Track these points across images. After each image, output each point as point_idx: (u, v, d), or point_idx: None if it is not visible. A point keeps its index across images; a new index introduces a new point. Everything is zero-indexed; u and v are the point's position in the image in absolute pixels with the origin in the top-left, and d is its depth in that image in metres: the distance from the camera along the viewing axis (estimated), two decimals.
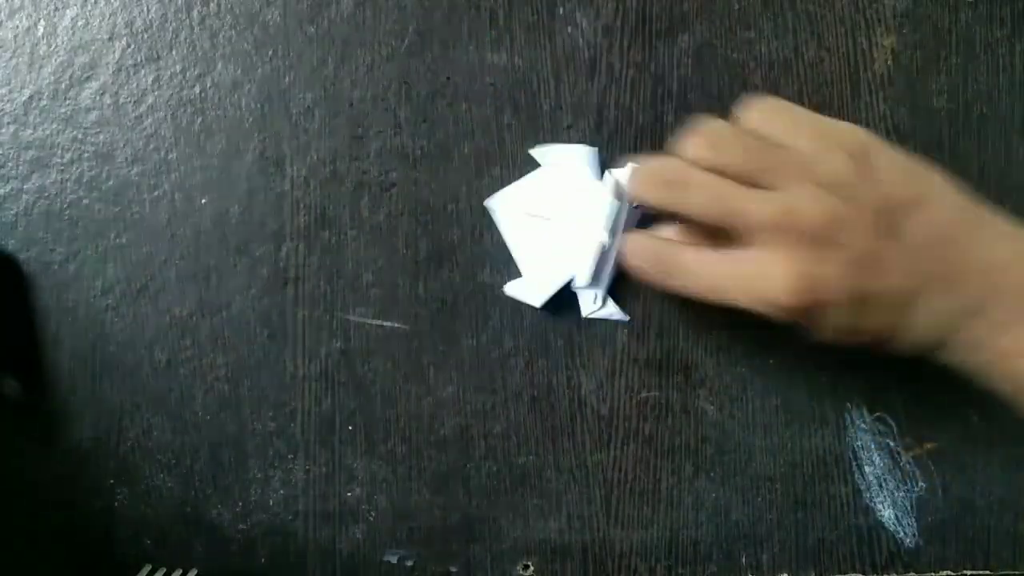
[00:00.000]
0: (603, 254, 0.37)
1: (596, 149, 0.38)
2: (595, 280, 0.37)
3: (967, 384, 0.39)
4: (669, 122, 0.38)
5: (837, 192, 0.31)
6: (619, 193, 0.36)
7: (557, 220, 0.37)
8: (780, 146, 0.32)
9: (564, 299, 0.38)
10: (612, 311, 0.38)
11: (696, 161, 0.32)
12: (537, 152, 0.38)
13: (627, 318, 0.38)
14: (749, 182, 0.32)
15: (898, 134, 0.38)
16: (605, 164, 0.38)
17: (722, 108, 0.38)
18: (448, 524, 0.38)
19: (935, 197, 0.32)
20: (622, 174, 0.36)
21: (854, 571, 0.39)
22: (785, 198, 0.31)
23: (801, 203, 0.31)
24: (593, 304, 0.38)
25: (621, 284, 0.38)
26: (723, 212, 0.32)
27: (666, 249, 0.34)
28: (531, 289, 0.37)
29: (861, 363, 0.38)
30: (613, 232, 0.36)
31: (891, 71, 0.39)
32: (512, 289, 0.38)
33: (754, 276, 0.31)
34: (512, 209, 0.38)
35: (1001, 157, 0.39)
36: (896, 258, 0.31)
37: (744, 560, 0.39)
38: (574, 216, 0.37)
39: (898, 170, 0.32)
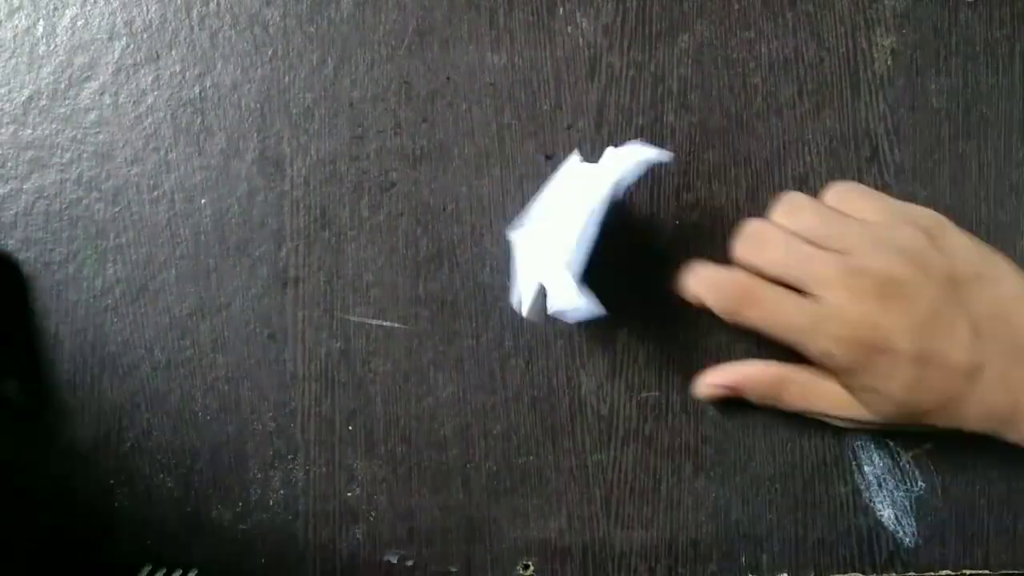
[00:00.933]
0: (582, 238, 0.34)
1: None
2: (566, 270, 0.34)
3: None
4: (669, 122, 0.38)
5: (907, 257, 0.32)
6: (614, 175, 0.34)
7: (558, 220, 0.34)
8: (853, 218, 0.34)
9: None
10: (590, 307, 0.34)
11: (776, 224, 0.35)
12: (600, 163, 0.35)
13: (604, 311, 0.35)
14: (822, 246, 0.33)
15: (898, 134, 0.39)
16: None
17: (722, 108, 0.38)
18: (448, 524, 0.38)
19: (1002, 276, 0.33)
20: (620, 153, 0.34)
21: (854, 571, 0.39)
22: (855, 257, 0.32)
23: (870, 260, 0.32)
24: (560, 296, 0.34)
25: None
26: (797, 268, 0.33)
27: (747, 282, 0.34)
28: (569, 298, 0.34)
29: None
30: (592, 216, 0.34)
31: (891, 71, 0.39)
32: (553, 308, 0.34)
33: (823, 318, 0.32)
34: (526, 234, 0.35)
35: (1001, 157, 0.39)
36: (962, 325, 0.31)
37: (744, 560, 0.39)
38: (566, 203, 0.34)
39: (967, 247, 0.33)
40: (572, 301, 0.33)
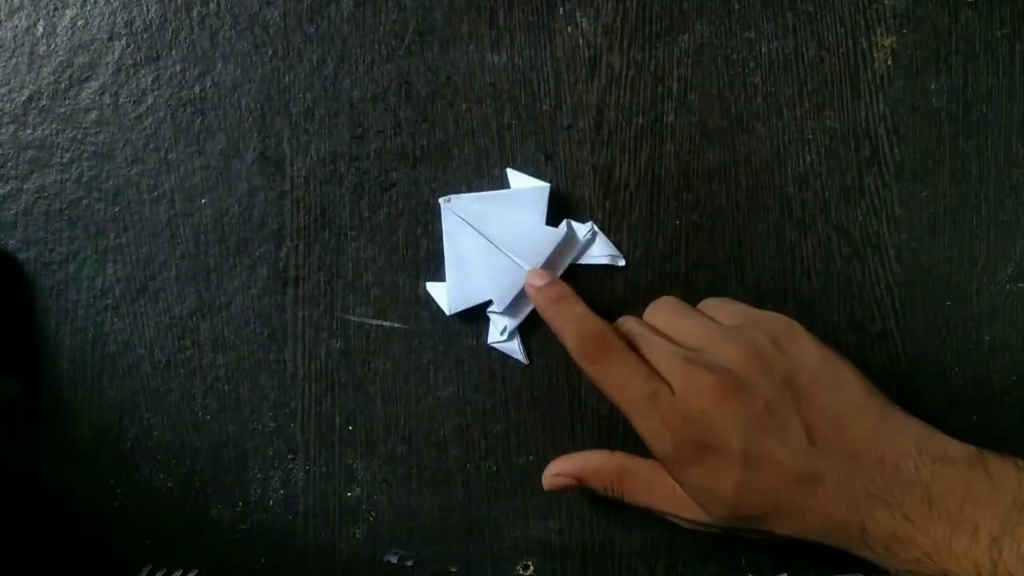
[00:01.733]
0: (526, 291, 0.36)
1: (548, 186, 0.37)
2: (511, 312, 0.37)
3: (967, 384, 0.39)
4: (669, 122, 0.38)
5: (748, 356, 0.32)
6: (567, 242, 0.37)
7: (498, 243, 0.37)
8: (709, 319, 0.35)
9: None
10: (514, 348, 0.38)
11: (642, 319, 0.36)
12: (512, 174, 0.38)
13: (525, 361, 0.38)
14: (677, 341, 0.34)
15: (898, 134, 0.39)
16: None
17: (722, 108, 0.38)
18: (448, 524, 0.38)
19: (844, 382, 0.32)
20: (579, 228, 0.37)
21: (854, 571, 0.39)
22: (700, 352, 0.33)
23: (712, 355, 0.32)
24: (499, 335, 0.37)
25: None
26: (647, 353, 0.34)
27: (609, 338, 0.34)
28: (449, 295, 0.37)
29: (861, 363, 0.38)
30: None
31: (891, 71, 0.39)
32: (432, 288, 0.38)
33: (660, 400, 0.32)
34: (461, 214, 0.37)
35: (1001, 157, 0.39)
36: (795, 429, 0.31)
37: (744, 560, 0.39)
38: (514, 246, 0.37)
39: (812, 352, 0.33)
40: (507, 344, 0.38)
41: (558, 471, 0.36)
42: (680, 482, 0.32)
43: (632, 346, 0.34)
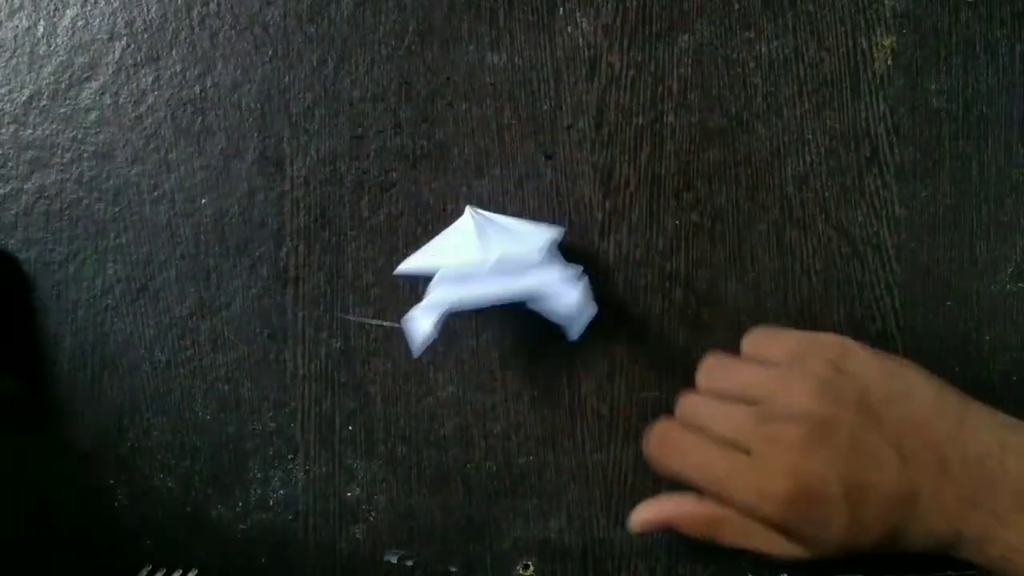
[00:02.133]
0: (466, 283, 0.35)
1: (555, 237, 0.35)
2: (447, 296, 0.35)
3: (967, 384, 0.39)
4: (669, 122, 0.38)
5: (817, 391, 0.32)
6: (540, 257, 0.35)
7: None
8: (761, 365, 0.34)
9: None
10: (421, 331, 0.34)
11: (698, 388, 0.35)
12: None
13: (415, 354, 0.35)
14: (742, 398, 0.33)
15: (898, 134, 0.39)
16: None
17: (722, 108, 0.38)
18: (448, 524, 0.38)
19: (913, 387, 0.32)
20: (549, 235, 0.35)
21: (854, 571, 0.39)
22: (768, 405, 0.32)
23: (782, 405, 0.32)
24: (428, 313, 0.34)
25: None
26: (721, 427, 0.33)
27: (668, 431, 0.34)
28: (412, 258, 0.36)
29: None
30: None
31: (891, 71, 0.39)
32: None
33: (746, 469, 0.32)
34: (477, 224, 0.35)
35: (1001, 157, 0.39)
36: (887, 452, 0.31)
37: (744, 560, 0.38)
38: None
39: (875, 367, 0.32)
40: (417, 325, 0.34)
41: (649, 518, 0.35)
42: (787, 535, 0.32)
43: (700, 426, 0.34)
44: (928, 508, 0.30)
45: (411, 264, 0.36)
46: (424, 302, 0.34)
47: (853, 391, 0.32)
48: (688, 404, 0.35)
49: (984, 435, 0.31)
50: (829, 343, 0.33)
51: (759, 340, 0.36)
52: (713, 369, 0.35)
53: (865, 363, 0.33)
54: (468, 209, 0.36)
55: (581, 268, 0.35)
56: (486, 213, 0.36)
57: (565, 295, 0.34)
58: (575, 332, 0.35)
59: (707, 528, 0.34)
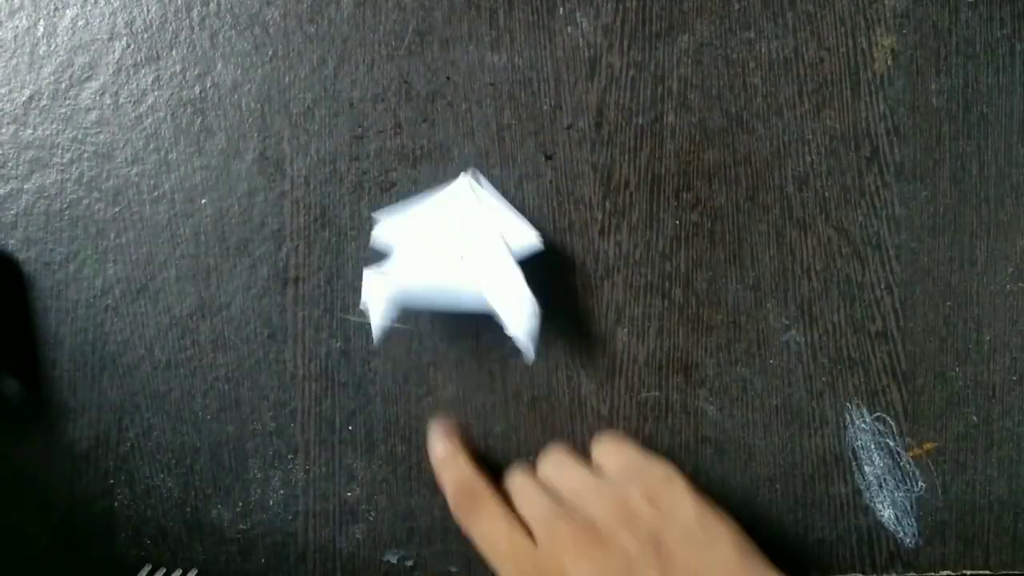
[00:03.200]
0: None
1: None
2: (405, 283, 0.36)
3: (967, 384, 0.39)
4: (669, 122, 0.38)
5: (615, 508, 0.32)
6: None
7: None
8: (591, 475, 0.34)
9: (559, 298, 0.38)
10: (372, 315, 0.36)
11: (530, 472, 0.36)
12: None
13: (376, 338, 0.37)
14: (553, 490, 0.34)
15: (898, 134, 0.39)
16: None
17: (722, 108, 0.38)
18: (448, 524, 0.38)
19: (719, 541, 0.31)
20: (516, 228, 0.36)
21: (854, 571, 0.39)
22: (568, 504, 0.33)
23: (578, 506, 0.33)
24: (375, 295, 0.36)
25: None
26: (518, 503, 0.34)
27: (478, 490, 0.35)
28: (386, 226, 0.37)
29: (861, 363, 0.39)
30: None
31: (891, 71, 0.39)
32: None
33: (523, 553, 0.32)
34: (464, 197, 0.36)
35: (1001, 157, 0.39)
36: None
37: None
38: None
39: (690, 507, 0.32)
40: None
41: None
42: None
43: (510, 500, 0.34)
44: None
45: (388, 234, 0.37)
46: (387, 270, 0.36)
47: (652, 523, 0.32)
48: (513, 478, 0.36)
49: None
50: (657, 473, 0.33)
51: (603, 447, 0.36)
52: (548, 459, 0.36)
53: (681, 502, 0.32)
54: (464, 178, 0.37)
55: (535, 303, 0.35)
56: (480, 187, 0.37)
57: (518, 320, 0.35)
58: (527, 352, 0.36)
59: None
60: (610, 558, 0.31)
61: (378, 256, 0.37)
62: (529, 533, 0.33)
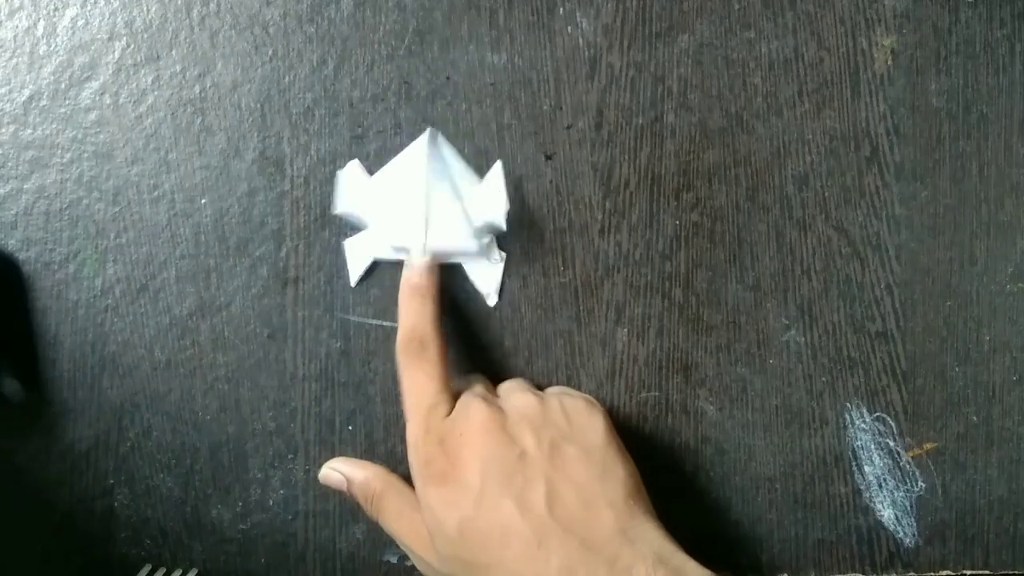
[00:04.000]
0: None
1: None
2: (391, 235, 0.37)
3: (967, 384, 0.39)
4: (669, 122, 0.38)
5: (531, 409, 0.33)
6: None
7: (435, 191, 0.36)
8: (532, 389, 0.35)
9: (559, 298, 0.38)
10: (357, 261, 0.37)
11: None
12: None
13: (352, 283, 0.38)
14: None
15: (898, 134, 0.39)
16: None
17: (722, 108, 0.38)
18: None
19: (612, 475, 0.32)
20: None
21: (854, 571, 0.39)
22: (502, 397, 0.35)
23: (505, 397, 0.34)
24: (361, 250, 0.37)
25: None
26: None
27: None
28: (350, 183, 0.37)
29: (861, 363, 0.39)
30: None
31: (891, 71, 0.39)
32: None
33: (434, 405, 0.33)
34: (430, 157, 0.37)
35: (1001, 157, 0.39)
36: (542, 489, 0.30)
37: (744, 560, 0.38)
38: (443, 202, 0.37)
39: (600, 436, 0.33)
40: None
41: (335, 467, 0.36)
42: (420, 501, 0.32)
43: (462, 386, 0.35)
44: (554, 572, 0.29)
45: (350, 200, 0.37)
46: (364, 236, 0.37)
47: (559, 432, 0.32)
48: (478, 378, 0.37)
49: (644, 545, 0.30)
50: (582, 401, 0.34)
51: (553, 389, 0.37)
52: (513, 381, 0.36)
53: (593, 427, 0.33)
54: (425, 137, 0.37)
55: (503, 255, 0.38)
56: (444, 156, 0.37)
57: (485, 271, 0.37)
58: (491, 298, 0.38)
59: (374, 498, 0.35)
60: (506, 447, 0.31)
61: (351, 225, 0.37)
62: (453, 403, 0.33)
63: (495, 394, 0.35)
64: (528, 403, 0.33)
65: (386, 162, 0.38)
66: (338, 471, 0.36)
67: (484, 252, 0.37)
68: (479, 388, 0.35)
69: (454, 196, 0.36)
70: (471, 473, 0.31)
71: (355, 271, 0.38)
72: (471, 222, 0.36)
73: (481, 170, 0.38)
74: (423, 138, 0.37)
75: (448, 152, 0.37)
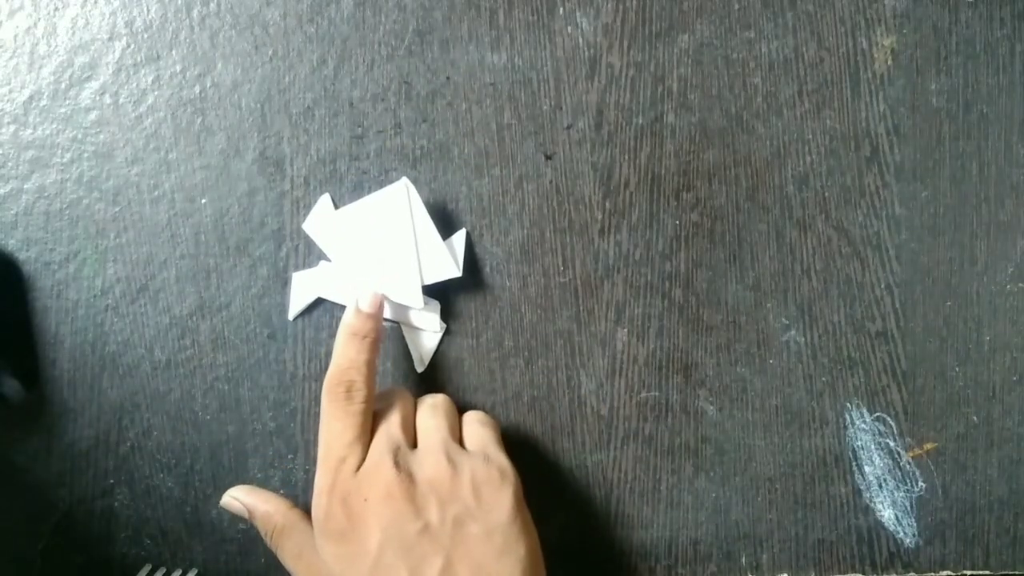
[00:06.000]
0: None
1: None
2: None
3: (967, 384, 0.39)
4: (669, 122, 0.38)
5: (443, 480, 0.32)
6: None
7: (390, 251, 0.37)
8: (447, 432, 0.34)
9: (559, 298, 0.38)
10: (298, 301, 0.37)
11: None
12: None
13: (291, 317, 0.38)
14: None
15: (898, 134, 0.39)
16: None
17: (722, 108, 0.38)
18: None
19: (512, 554, 0.31)
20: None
21: (854, 571, 0.39)
22: (413, 450, 0.33)
23: (421, 456, 0.33)
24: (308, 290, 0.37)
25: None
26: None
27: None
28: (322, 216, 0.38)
29: (861, 363, 0.39)
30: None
31: (891, 71, 0.39)
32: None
33: (346, 457, 0.33)
34: (399, 208, 0.37)
35: (1001, 157, 0.39)
36: (438, 566, 0.31)
37: (744, 560, 0.39)
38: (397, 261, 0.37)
39: (506, 513, 0.32)
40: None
41: (236, 496, 0.36)
42: (319, 551, 0.32)
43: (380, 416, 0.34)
44: None
45: (318, 229, 0.37)
46: (313, 273, 0.37)
47: (464, 508, 0.32)
48: (400, 398, 0.35)
49: None
50: (496, 469, 0.33)
51: (472, 419, 0.36)
52: (434, 400, 0.36)
53: (501, 504, 0.32)
54: (399, 184, 0.37)
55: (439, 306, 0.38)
56: (414, 198, 0.37)
57: (421, 336, 0.38)
58: (419, 364, 0.38)
59: (274, 533, 0.34)
60: (410, 519, 0.31)
61: (310, 257, 0.37)
62: (366, 452, 0.33)
63: (414, 421, 0.35)
64: (440, 474, 0.32)
65: (385, 161, 0.38)
66: (239, 501, 0.35)
67: (427, 315, 0.37)
68: (395, 429, 0.33)
69: (412, 251, 0.36)
70: (370, 539, 0.31)
71: (296, 305, 0.37)
72: (422, 280, 0.36)
73: (482, 169, 0.38)
74: (395, 187, 0.37)
75: (417, 206, 0.37)
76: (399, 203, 0.36)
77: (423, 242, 0.37)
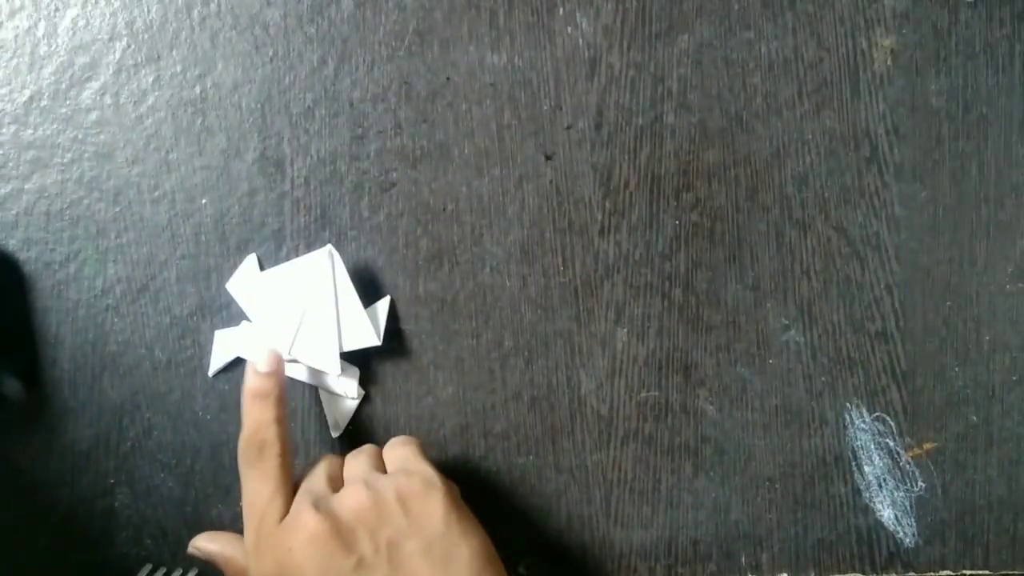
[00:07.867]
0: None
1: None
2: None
3: (967, 384, 0.39)
4: (669, 122, 0.38)
5: (366, 510, 0.31)
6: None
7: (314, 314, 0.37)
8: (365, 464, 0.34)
9: (559, 298, 0.38)
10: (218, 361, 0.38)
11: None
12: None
13: (211, 374, 0.38)
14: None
15: (898, 134, 0.39)
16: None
17: (722, 108, 0.38)
18: None
19: (457, 559, 0.31)
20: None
21: (854, 571, 0.39)
22: (333, 493, 0.33)
23: (340, 495, 0.32)
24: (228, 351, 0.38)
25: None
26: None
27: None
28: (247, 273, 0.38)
29: (861, 363, 0.39)
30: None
31: (891, 71, 0.39)
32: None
33: (266, 513, 0.32)
34: (323, 276, 0.37)
35: (1001, 157, 0.39)
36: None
37: (744, 560, 0.39)
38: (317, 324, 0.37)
39: (440, 520, 0.31)
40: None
41: (198, 545, 0.35)
42: None
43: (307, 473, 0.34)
44: None
45: (241, 289, 0.37)
46: (234, 332, 0.38)
47: (396, 529, 0.31)
48: (330, 456, 0.35)
49: None
50: (418, 481, 0.32)
51: (390, 446, 0.35)
52: (354, 453, 0.35)
53: (433, 512, 0.31)
54: (324, 251, 0.37)
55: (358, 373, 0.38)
56: (337, 265, 0.37)
57: (338, 401, 0.38)
58: (334, 429, 0.38)
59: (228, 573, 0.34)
60: (341, 557, 0.30)
61: (232, 315, 0.37)
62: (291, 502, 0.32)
63: (341, 476, 0.34)
64: (361, 503, 0.31)
65: (385, 161, 0.38)
66: (202, 551, 0.35)
67: (345, 381, 0.37)
68: (317, 481, 0.33)
69: (332, 318, 0.36)
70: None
71: (216, 363, 0.38)
72: (341, 347, 0.36)
73: (481, 169, 0.38)
74: (319, 253, 0.37)
75: (340, 274, 0.37)
76: (323, 269, 0.36)
77: (344, 309, 0.37)
